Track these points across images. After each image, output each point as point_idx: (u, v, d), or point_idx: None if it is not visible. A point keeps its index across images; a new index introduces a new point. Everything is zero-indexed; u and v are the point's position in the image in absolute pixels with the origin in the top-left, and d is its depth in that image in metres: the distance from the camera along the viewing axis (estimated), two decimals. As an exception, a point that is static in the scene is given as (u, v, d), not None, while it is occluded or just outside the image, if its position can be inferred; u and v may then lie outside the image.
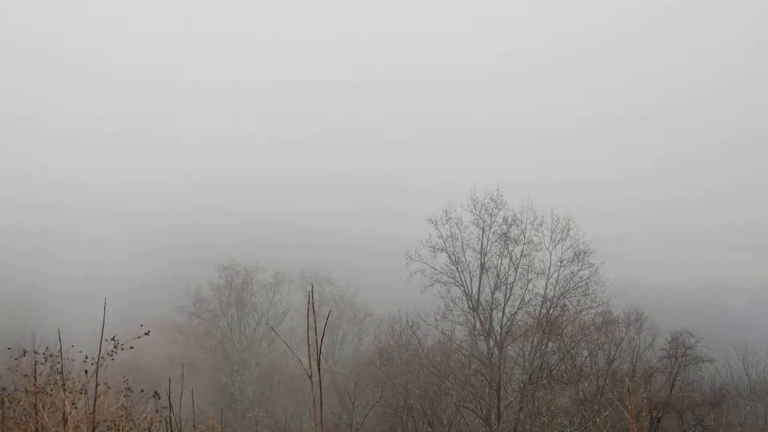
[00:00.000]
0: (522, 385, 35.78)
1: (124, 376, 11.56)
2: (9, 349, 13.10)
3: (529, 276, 37.78)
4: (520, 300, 37.59)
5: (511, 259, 37.96)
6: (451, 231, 39.05)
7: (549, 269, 37.71)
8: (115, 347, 11.03)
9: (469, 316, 38.76)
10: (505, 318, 37.66)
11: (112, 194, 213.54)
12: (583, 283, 37.27)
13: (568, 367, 39.16)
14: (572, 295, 37.53)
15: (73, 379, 10.47)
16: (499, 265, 38.28)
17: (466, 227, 39.07)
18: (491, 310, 37.74)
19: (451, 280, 38.73)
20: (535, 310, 37.80)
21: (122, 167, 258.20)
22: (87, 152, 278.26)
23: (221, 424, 13.84)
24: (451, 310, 38.41)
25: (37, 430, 9.79)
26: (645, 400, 34.19)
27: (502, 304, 37.76)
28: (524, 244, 37.92)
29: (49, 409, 10.21)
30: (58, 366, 10.51)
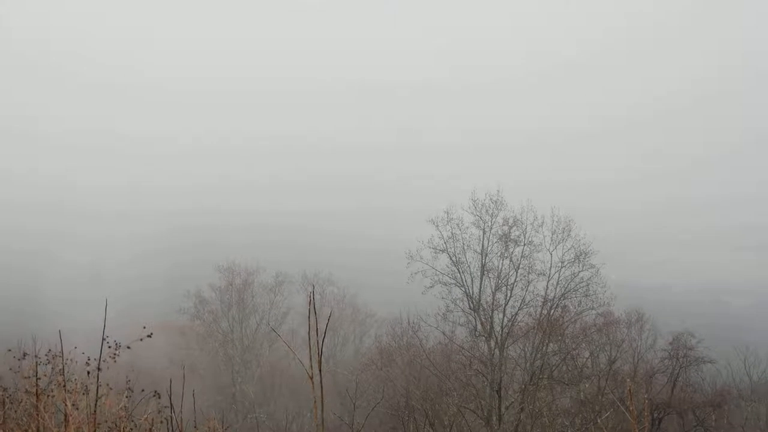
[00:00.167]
0: (523, 386, 35.78)
1: (126, 377, 11.58)
2: (9, 350, 13.13)
3: (530, 277, 37.88)
4: (520, 301, 37.67)
5: (511, 260, 38.03)
6: (452, 232, 39.18)
7: (550, 270, 37.78)
8: (116, 348, 11.06)
9: (470, 317, 38.82)
10: (505, 319, 37.70)
11: (112, 195, 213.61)
12: (584, 284, 37.32)
13: (569, 368, 39.19)
14: (573, 296, 37.58)
15: (74, 380, 10.49)
16: (499, 266, 38.36)
17: (467, 228, 39.19)
18: (492, 311, 37.79)
19: (452, 281, 38.81)
20: (535, 311, 37.85)
21: (122, 168, 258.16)
22: (87, 153, 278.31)
23: (222, 425, 13.85)
24: (452, 311, 38.51)
25: (38, 431, 9.81)
26: (646, 401, 34.21)
27: (503, 305, 37.80)
28: (525, 245, 37.99)
29: (50, 410, 10.23)
30: (60, 367, 10.54)
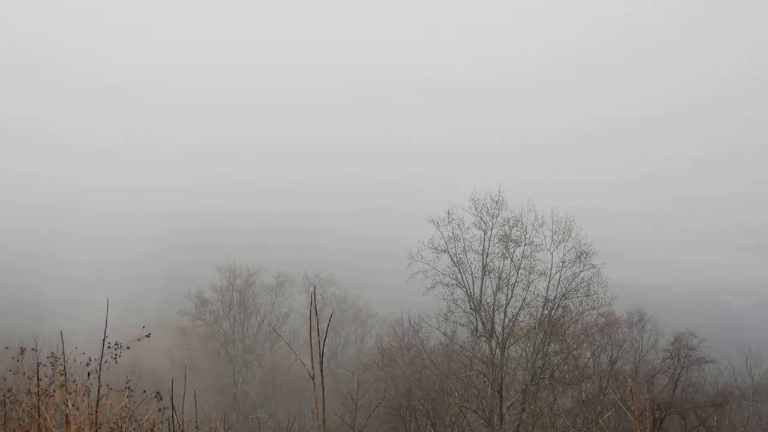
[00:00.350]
0: (524, 386, 35.75)
1: (126, 377, 11.56)
2: (6, 348, 13.11)
3: (531, 277, 37.81)
4: (521, 301, 37.61)
5: (512, 260, 37.98)
6: (453, 232, 39.15)
7: (551, 270, 37.70)
8: (117, 349, 11.05)
9: (471, 318, 38.81)
10: (506, 319, 37.67)
11: (112, 195, 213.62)
12: (585, 284, 37.25)
13: (571, 368, 39.14)
14: (574, 296, 37.52)
15: (75, 380, 10.48)
16: (500, 267, 38.33)
17: (468, 228, 39.16)
18: (493, 311, 37.77)
19: (453, 282, 38.79)
20: (537, 311, 37.78)
21: (122, 168, 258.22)
22: (87, 152, 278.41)
23: (224, 426, 13.83)
24: (453, 312, 38.48)
25: (39, 431, 9.80)
26: (647, 401, 34.13)
27: (504, 306, 37.77)
28: (525, 245, 37.94)
29: (51, 410, 10.22)
30: (61, 367, 10.53)
